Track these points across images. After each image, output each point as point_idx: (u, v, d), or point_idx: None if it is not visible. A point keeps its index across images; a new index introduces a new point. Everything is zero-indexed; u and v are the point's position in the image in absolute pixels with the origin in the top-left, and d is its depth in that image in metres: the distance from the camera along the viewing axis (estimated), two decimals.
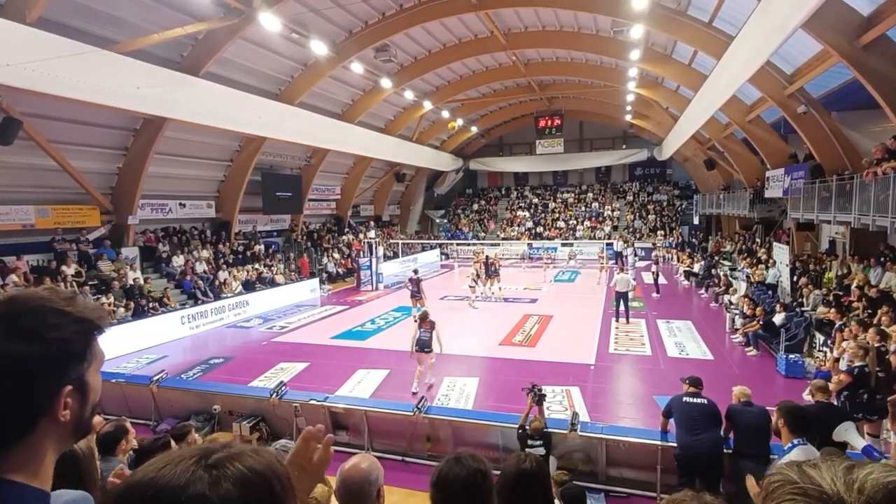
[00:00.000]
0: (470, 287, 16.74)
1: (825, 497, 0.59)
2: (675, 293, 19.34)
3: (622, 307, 13.86)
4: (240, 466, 0.72)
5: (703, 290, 18.63)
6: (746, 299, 13.00)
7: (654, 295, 17.75)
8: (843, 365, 7.03)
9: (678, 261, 24.72)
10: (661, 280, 18.78)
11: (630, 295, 14.28)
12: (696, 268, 20.98)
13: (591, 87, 25.74)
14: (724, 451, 5.22)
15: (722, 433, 5.28)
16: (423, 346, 8.89)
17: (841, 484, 0.60)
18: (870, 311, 9.23)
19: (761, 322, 11.26)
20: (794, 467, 0.65)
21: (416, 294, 14.19)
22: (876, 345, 6.85)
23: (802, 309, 11.74)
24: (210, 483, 0.68)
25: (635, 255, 26.16)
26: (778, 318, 10.98)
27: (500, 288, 18.18)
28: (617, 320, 13.90)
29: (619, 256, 24.90)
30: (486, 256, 18.82)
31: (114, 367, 10.20)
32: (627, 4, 13.31)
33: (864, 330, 7.80)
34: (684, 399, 5.39)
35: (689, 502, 1.14)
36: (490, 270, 17.59)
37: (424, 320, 9.16)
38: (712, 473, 5.10)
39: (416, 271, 15.41)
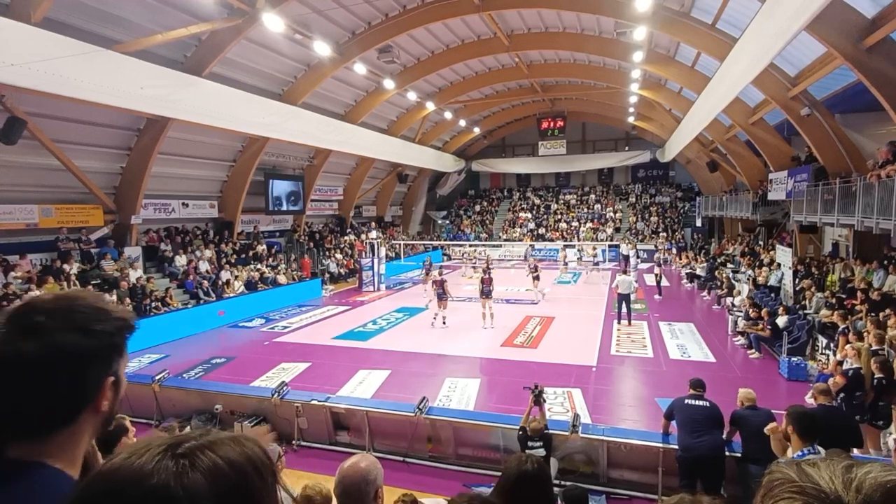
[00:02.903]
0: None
1: (823, 496, 0.59)
2: (678, 295, 19.31)
3: (624, 309, 13.85)
4: (213, 456, 0.66)
5: (705, 293, 18.59)
6: (749, 300, 12.96)
7: (656, 297, 17.73)
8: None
9: (680, 262, 24.67)
10: (664, 282, 18.77)
11: (632, 297, 14.26)
12: (698, 269, 20.98)
13: (593, 89, 25.77)
14: (727, 453, 5.21)
15: (724, 436, 5.26)
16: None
17: (839, 482, 0.59)
18: (872, 313, 9.19)
19: (769, 326, 11.20)
20: (793, 465, 0.64)
21: (442, 296, 14.05)
22: (875, 347, 6.83)
23: (805, 311, 11.71)
24: (176, 473, 0.62)
25: (637, 258, 26.13)
26: (780, 321, 10.95)
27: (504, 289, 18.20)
28: (619, 322, 13.89)
29: (625, 259, 24.78)
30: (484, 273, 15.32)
31: None
32: (631, 6, 13.32)
33: (860, 339, 7.77)
34: (686, 401, 5.38)
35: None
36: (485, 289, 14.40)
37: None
38: (714, 476, 5.09)
39: (440, 272, 15.45)
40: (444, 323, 14.04)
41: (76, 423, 0.88)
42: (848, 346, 7.83)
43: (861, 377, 6.27)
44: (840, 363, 7.63)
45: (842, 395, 6.27)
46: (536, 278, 17.98)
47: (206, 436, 0.70)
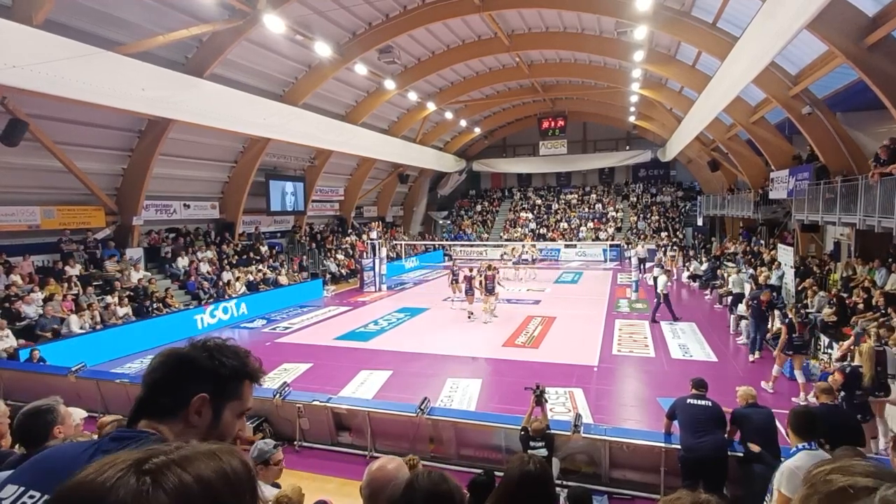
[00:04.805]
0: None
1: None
2: (679, 295, 19.27)
3: (664, 308, 14.15)
4: (181, 473, 0.63)
5: (707, 292, 18.55)
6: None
7: (656, 298, 17.66)
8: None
9: (681, 263, 24.58)
10: None
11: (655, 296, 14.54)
12: (692, 267, 20.96)
13: (594, 89, 25.75)
14: (729, 453, 5.20)
15: (726, 436, 5.25)
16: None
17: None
18: (878, 313, 9.17)
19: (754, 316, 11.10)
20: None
21: (470, 291, 14.90)
22: (878, 346, 6.83)
23: (807, 311, 11.67)
24: (136, 491, 0.60)
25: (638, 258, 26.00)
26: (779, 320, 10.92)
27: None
28: (653, 320, 14.06)
29: (641, 262, 23.91)
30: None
31: (118, 368, 10.26)
32: (631, 5, 13.32)
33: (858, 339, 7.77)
34: (688, 401, 5.37)
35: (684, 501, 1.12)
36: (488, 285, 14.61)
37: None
38: (716, 476, 5.07)
39: (471, 269, 15.66)
40: (469, 317, 14.71)
41: (174, 423, 1.09)
42: (846, 343, 7.83)
43: (860, 375, 6.28)
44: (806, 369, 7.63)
45: (842, 393, 6.27)
46: (490, 291, 14.50)
47: (180, 449, 0.67)
